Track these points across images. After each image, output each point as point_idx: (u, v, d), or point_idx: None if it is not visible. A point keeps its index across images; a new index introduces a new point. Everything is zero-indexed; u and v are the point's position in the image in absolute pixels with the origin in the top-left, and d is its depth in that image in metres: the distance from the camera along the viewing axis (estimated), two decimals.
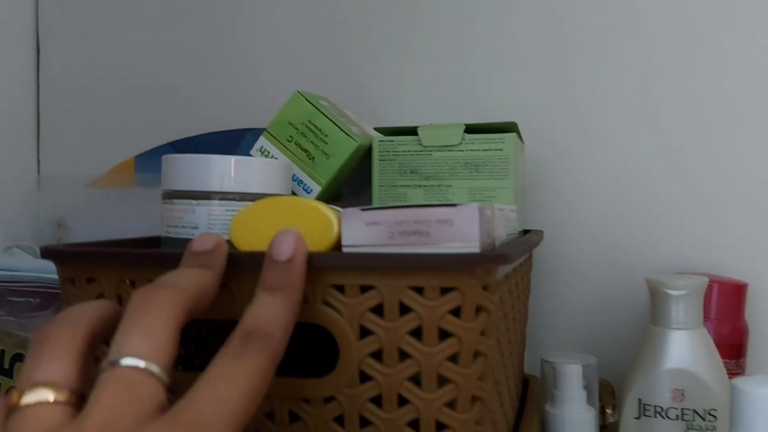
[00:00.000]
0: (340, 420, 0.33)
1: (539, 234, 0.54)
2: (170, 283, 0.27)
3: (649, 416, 0.49)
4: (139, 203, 0.79)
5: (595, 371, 0.51)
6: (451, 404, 0.32)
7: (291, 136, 0.50)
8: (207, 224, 0.42)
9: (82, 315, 0.26)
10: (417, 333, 0.32)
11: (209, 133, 0.78)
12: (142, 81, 0.83)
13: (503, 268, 0.35)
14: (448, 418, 0.32)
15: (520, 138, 0.56)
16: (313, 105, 0.50)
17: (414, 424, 0.33)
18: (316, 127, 0.50)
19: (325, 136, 0.50)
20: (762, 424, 0.36)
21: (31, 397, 0.23)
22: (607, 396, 0.59)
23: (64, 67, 0.86)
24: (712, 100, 0.65)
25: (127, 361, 0.24)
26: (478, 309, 0.32)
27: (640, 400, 0.49)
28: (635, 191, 0.67)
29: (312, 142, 0.50)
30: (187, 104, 0.81)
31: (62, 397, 0.24)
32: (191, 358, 0.45)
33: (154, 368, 0.24)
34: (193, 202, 0.42)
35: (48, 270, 0.65)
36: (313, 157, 0.50)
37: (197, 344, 0.46)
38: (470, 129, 0.52)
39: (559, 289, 0.69)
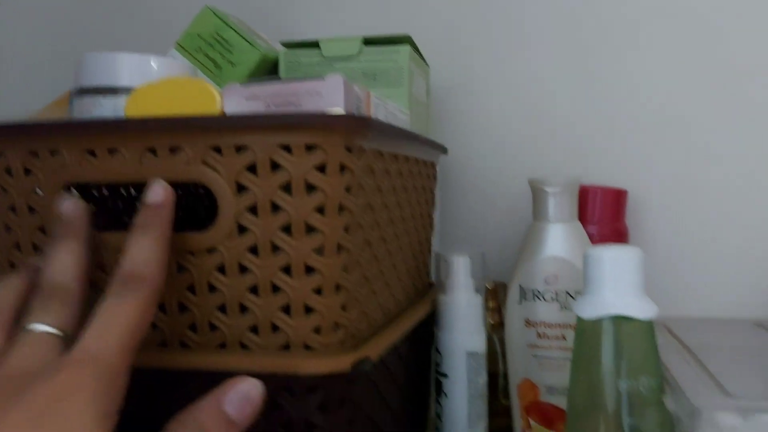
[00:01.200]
0: (222, 269, 0.38)
1: (436, 144, 0.58)
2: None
3: (528, 300, 0.54)
4: None
5: (481, 262, 0.56)
6: (318, 251, 0.37)
7: (200, 47, 0.54)
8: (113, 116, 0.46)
9: (7, 299, 0.34)
10: (288, 189, 0.36)
11: None
12: (77, 18, 0.85)
13: (369, 134, 0.39)
14: (316, 263, 0.36)
15: (421, 57, 0.61)
16: (220, 19, 0.54)
17: (287, 269, 0.37)
18: (224, 39, 0.53)
19: (232, 47, 0.53)
20: (606, 278, 0.41)
21: None
22: (505, 296, 0.64)
23: None
24: (600, 22, 0.71)
25: (35, 327, 0.32)
26: (343, 168, 0.36)
27: (521, 286, 0.54)
28: (534, 111, 0.72)
29: (219, 53, 0.53)
30: (121, 38, 0.84)
31: None
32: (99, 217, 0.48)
33: (55, 331, 0.32)
34: (100, 97, 0.46)
35: None
36: (221, 67, 0.53)
37: (101, 204, 0.49)
38: (368, 41, 0.56)
39: (466, 202, 0.74)
